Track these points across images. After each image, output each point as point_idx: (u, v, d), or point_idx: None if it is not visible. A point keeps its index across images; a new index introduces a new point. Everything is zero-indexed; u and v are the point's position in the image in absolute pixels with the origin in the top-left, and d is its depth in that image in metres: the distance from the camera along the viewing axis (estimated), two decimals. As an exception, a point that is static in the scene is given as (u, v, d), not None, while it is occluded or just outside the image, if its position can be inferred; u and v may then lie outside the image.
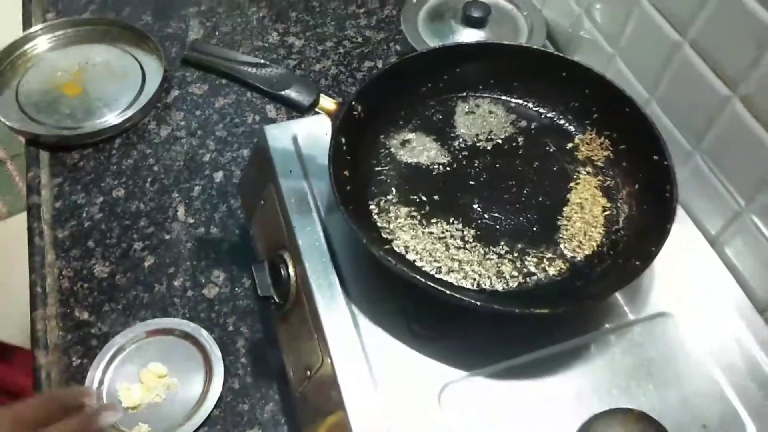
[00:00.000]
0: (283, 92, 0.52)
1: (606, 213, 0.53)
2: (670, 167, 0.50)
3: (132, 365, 0.62)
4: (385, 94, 0.57)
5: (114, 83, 0.84)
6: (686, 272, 0.53)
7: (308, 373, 0.51)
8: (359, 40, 0.92)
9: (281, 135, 0.60)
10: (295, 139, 0.60)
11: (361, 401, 0.46)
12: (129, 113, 0.80)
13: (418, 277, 0.45)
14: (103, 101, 0.82)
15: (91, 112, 0.81)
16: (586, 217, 0.53)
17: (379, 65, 0.89)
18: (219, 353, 0.62)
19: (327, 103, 0.53)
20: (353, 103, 0.54)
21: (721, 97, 0.52)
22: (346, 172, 0.52)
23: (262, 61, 0.53)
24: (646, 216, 0.51)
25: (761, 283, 0.53)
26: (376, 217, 0.52)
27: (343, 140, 0.52)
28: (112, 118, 0.80)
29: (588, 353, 0.49)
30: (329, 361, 0.47)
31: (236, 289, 0.68)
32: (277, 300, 0.54)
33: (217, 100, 0.84)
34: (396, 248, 0.51)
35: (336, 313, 0.49)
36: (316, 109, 0.53)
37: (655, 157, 0.51)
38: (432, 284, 0.45)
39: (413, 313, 0.50)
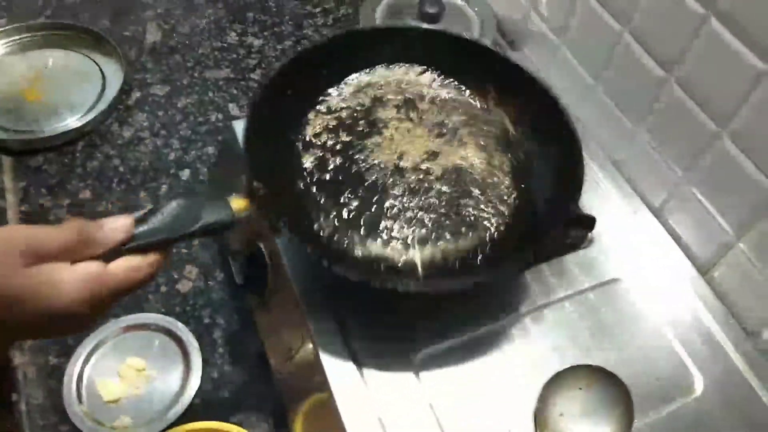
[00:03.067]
0: (197, 226, 0.43)
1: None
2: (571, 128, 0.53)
3: (110, 360, 0.63)
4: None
5: (74, 87, 0.84)
6: (634, 242, 0.58)
7: (291, 352, 0.54)
8: (316, 38, 0.94)
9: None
10: (263, 133, 0.62)
11: (342, 375, 0.48)
12: (91, 116, 0.80)
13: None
14: (65, 105, 0.82)
15: (53, 117, 0.80)
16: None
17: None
18: (196, 344, 0.64)
19: (240, 204, 0.46)
20: (254, 184, 0.47)
21: (659, 79, 0.57)
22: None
23: (149, 208, 0.43)
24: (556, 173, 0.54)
25: (701, 248, 0.58)
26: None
27: (282, 223, 0.48)
28: (73, 122, 0.80)
29: (546, 319, 0.53)
30: (310, 339, 0.50)
31: (209, 282, 0.69)
32: (255, 288, 0.56)
33: (179, 100, 0.85)
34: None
35: (313, 294, 0.52)
36: (241, 215, 0.46)
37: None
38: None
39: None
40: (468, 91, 0.60)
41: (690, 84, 0.55)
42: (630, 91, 0.62)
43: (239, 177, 0.60)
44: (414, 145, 0.57)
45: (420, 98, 0.60)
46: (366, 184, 0.54)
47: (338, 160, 0.56)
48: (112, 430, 0.59)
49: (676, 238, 0.59)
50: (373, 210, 0.53)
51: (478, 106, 0.60)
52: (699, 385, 0.50)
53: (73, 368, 0.62)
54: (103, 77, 0.85)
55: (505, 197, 0.54)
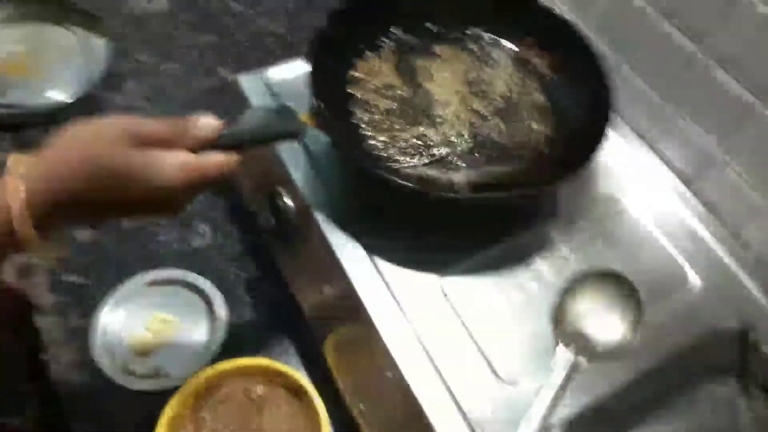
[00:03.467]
0: (272, 133, 0.51)
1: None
2: (591, 50, 0.60)
3: (136, 315, 0.65)
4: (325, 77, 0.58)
5: (60, 60, 0.84)
6: (625, 164, 0.63)
7: (321, 287, 0.57)
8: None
9: (256, 84, 0.64)
10: (269, 86, 0.64)
11: (375, 299, 0.52)
12: (81, 87, 0.80)
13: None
14: (52, 79, 0.82)
15: (42, 91, 0.80)
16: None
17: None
18: (219, 294, 0.66)
19: (306, 119, 0.53)
20: (318, 104, 0.55)
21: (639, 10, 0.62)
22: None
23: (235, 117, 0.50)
24: (584, 94, 0.60)
25: (684, 162, 0.63)
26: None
27: (339, 138, 0.55)
28: (63, 94, 0.80)
29: (558, 233, 0.57)
30: (340, 270, 0.53)
31: (223, 237, 0.72)
32: (279, 230, 0.59)
33: (167, 65, 0.86)
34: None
35: (337, 229, 0.55)
36: (306, 128, 0.52)
37: (576, 44, 0.61)
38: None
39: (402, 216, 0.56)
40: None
41: (671, 11, 0.60)
42: (613, 23, 0.67)
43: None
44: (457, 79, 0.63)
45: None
46: (412, 112, 0.60)
47: (386, 94, 0.61)
48: (147, 378, 0.61)
49: (661, 156, 0.64)
50: (416, 134, 0.59)
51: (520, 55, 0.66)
52: (694, 281, 0.56)
53: (98, 322, 0.64)
54: (89, 48, 0.85)
55: (543, 126, 0.61)
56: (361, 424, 0.55)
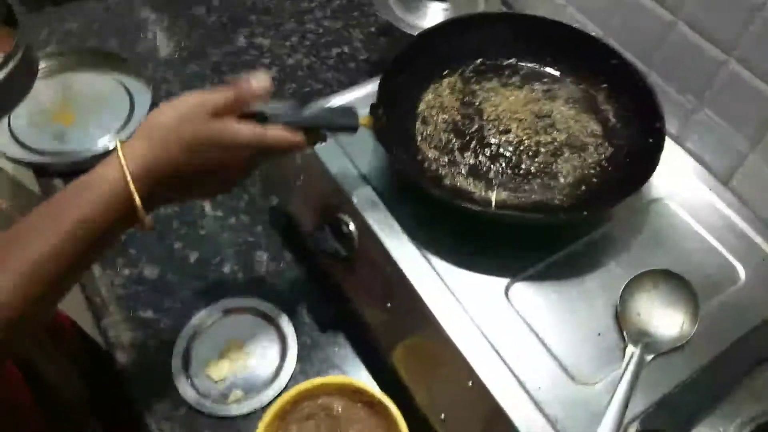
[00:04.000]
0: (333, 122, 0.58)
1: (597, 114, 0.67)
2: (629, 63, 0.64)
3: (211, 343, 0.68)
4: (394, 90, 0.64)
5: (103, 108, 0.87)
6: (666, 168, 0.66)
7: (387, 305, 0.60)
8: (320, 30, 1.00)
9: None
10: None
11: (445, 310, 0.55)
12: (125, 133, 0.84)
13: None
14: (98, 126, 0.85)
15: (88, 138, 0.84)
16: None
17: (346, 50, 0.98)
18: (288, 321, 0.69)
19: (366, 119, 0.59)
20: (379, 111, 0.60)
21: (668, 21, 0.66)
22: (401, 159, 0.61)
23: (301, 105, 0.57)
24: (630, 106, 0.64)
25: (720, 163, 0.67)
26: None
27: (392, 144, 0.60)
28: (109, 141, 0.84)
29: (612, 238, 0.61)
30: (408, 285, 0.57)
31: (281, 264, 0.75)
32: (344, 254, 0.62)
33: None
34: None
35: (401, 245, 0.59)
36: (363, 126, 0.59)
37: (613, 61, 0.65)
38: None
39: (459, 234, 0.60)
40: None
41: (696, 23, 0.64)
42: (639, 37, 0.70)
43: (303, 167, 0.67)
44: (514, 109, 0.67)
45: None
46: (466, 133, 0.65)
47: (446, 116, 0.67)
48: (227, 404, 0.64)
49: (697, 158, 0.68)
50: (468, 153, 0.64)
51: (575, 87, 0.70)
52: (742, 274, 0.59)
53: (180, 349, 0.67)
54: (130, 95, 0.89)
55: (591, 152, 0.65)
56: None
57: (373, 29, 1.01)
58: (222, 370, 0.66)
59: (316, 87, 0.93)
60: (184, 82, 0.93)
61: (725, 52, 0.61)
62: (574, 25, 0.68)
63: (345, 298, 0.68)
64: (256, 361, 0.67)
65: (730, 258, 0.60)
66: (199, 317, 0.70)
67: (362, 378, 0.67)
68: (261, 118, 0.54)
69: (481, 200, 0.60)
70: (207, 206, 0.80)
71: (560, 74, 0.70)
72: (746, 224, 0.62)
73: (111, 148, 0.82)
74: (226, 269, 0.74)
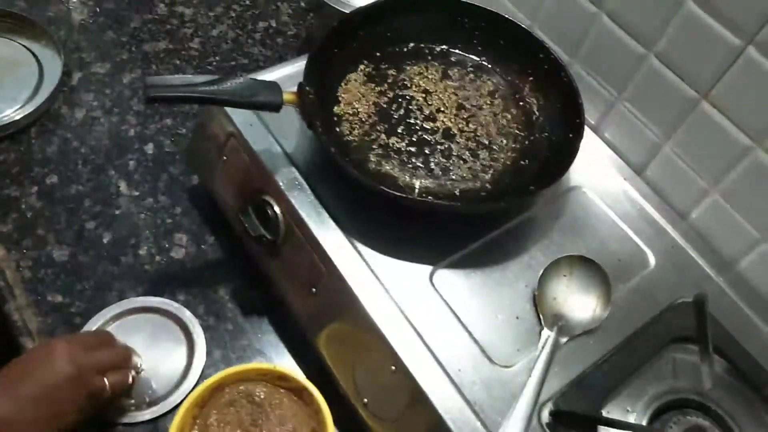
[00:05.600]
0: (253, 100, 0.55)
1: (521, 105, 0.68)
2: (555, 58, 0.65)
3: None
4: (320, 70, 0.62)
5: (10, 75, 0.81)
6: (585, 157, 0.68)
7: (313, 289, 0.60)
8: (247, 2, 0.96)
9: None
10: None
11: (369, 294, 0.55)
12: (36, 102, 0.79)
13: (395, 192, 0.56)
14: (5, 94, 0.79)
15: (-6, 105, 0.78)
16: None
17: (273, 24, 0.95)
18: (198, 324, 0.66)
19: (289, 96, 0.57)
20: (306, 88, 0.58)
21: (589, 14, 0.68)
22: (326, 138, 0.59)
23: (216, 77, 0.55)
24: (556, 100, 0.66)
25: (634, 153, 0.69)
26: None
27: (317, 121, 0.58)
28: (17, 111, 0.78)
29: (530, 226, 0.62)
30: (334, 270, 0.56)
31: (202, 246, 0.73)
32: (269, 237, 0.61)
33: (123, 75, 0.85)
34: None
35: (327, 230, 0.58)
36: (287, 104, 0.57)
37: (541, 55, 0.66)
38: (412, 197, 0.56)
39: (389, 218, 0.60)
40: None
41: (618, 16, 0.66)
42: (564, 28, 0.72)
43: (228, 140, 0.65)
44: (442, 97, 0.67)
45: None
46: (392, 118, 0.65)
47: (371, 98, 0.65)
48: (114, 408, 0.61)
49: (613, 147, 0.70)
50: (393, 138, 0.63)
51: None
52: (652, 260, 0.62)
53: None
54: (38, 62, 0.83)
55: (513, 143, 0.65)
56: (365, 415, 0.58)
57: (302, 4, 0.98)
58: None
59: (242, 62, 0.90)
60: (100, 49, 0.87)
61: (645, 46, 0.64)
62: (505, 15, 0.68)
63: (269, 283, 0.66)
64: (155, 371, 0.64)
65: (642, 245, 0.63)
66: (108, 311, 0.66)
67: (286, 364, 0.66)
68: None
69: (405, 186, 0.60)
70: (122, 185, 0.76)
71: (489, 64, 0.70)
72: (657, 213, 0.65)
73: (17, 118, 0.77)
74: (143, 251, 0.71)
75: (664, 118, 0.65)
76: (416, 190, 0.60)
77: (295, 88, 0.59)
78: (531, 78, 0.68)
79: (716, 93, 0.59)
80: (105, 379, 0.56)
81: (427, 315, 0.55)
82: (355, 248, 0.57)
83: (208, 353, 0.65)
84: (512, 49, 0.69)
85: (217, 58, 0.90)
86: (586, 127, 0.70)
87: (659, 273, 0.62)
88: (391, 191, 0.56)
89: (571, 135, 0.62)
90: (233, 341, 0.67)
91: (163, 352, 0.65)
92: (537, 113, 0.67)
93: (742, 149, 0.59)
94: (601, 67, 0.69)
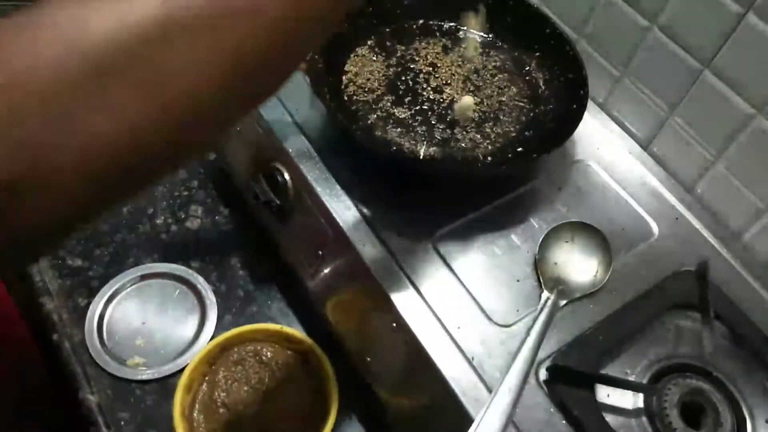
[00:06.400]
0: None
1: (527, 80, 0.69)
2: (561, 32, 0.66)
3: (130, 306, 0.68)
4: (329, 42, 0.64)
5: None
6: (590, 132, 0.69)
7: (319, 252, 0.61)
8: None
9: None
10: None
11: (372, 253, 0.56)
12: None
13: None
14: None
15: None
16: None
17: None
18: (212, 294, 0.69)
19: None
20: (316, 56, 0.61)
21: (594, -8, 0.69)
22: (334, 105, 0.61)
23: None
24: (561, 74, 0.67)
25: (640, 128, 0.70)
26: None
27: (325, 90, 0.61)
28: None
29: (533, 195, 0.63)
30: (340, 232, 0.58)
31: (216, 217, 0.75)
32: (278, 202, 0.63)
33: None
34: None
35: (334, 196, 0.60)
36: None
37: (547, 30, 0.67)
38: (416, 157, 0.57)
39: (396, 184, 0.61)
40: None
41: (619, -8, 0.67)
42: (571, 5, 0.73)
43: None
44: (449, 70, 0.69)
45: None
46: (399, 89, 0.66)
47: (379, 70, 0.67)
48: (126, 366, 0.64)
49: (619, 122, 0.71)
50: (399, 108, 0.64)
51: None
52: (655, 230, 0.62)
53: (95, 310, 0.66)
54: None
55: (519, 115, 0.66)
56: (368, 376, 0.59)
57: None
58: (136, 336, 0.66)
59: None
60: None
61: (649, 19, 0.64)
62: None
63: (279, 252, 0.68)
64: (168, 335, 0.66)
65: (645, 215, 0.64)
66: (125, 275, 0.69)
67: (296, 328, 0.67)
68: None
69: (409, 152, 0.61)
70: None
71: (497, 41, 0.72)
72: (663, 186, 0.66)
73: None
74: (159, 221, 0.74)
75: (667, 90, 0.66)
76: (420, 156, 0.61)
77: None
78: (538, 54, 0.69)
79: (718, 62, 0.60)
80: None
81: (429, 276, 0.56)
82: (361, 212, 0.59)
83: (219, 318, 0.67)
84: (520, 26, 0.70)
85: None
86: (593, 105, 0.72)
87: (663, 242, 0.62)
88: (397, 154, 0.58)
89: (575, 106, 0.63)
90: (243, 307, 0.69)
91: (176, 315, 0.67)
92: (543, 87, 0.68)
93: (744, 117, 0.60)
94: (606, 43, 0.70)
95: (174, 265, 0.70)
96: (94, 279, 0.69)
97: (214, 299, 0.68)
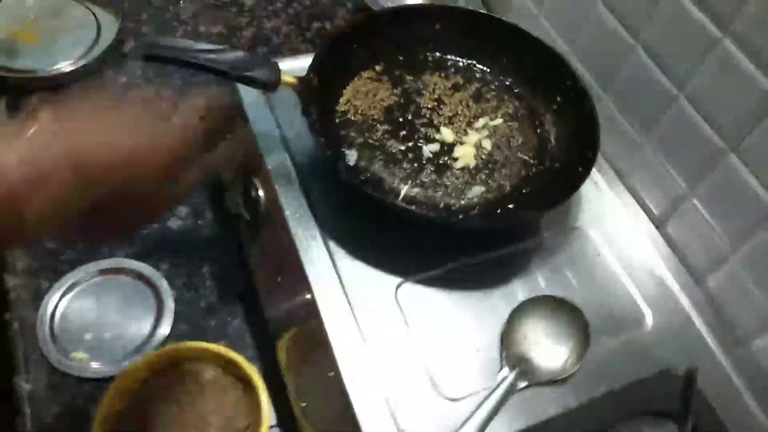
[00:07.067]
0: (247, 74, 0.54)
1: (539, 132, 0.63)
2: (582, 88, 0.61)
3: (88, 299, 0.65)
4: (333, 62, 0.61)
5: (69, 32, 0.86)
6: (598, 197, 0.63)
7: (278, 279, 0.58)
8: (308, 2, 0.98)
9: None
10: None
11: (326, 292, 0.52)
12: (85, 60, 0.83)
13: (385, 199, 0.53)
14: (59, 49, 0.84)
15: (47, 59, 0.82)
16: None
17: (327, 26, 0.95)
18: (171, 293, 0.66)
19: (288, 78, 0.56)
20: (311, 75, 0.58)
21: (626, 45, 0.63)
22: (320, 132, 0.57)
23: (220, 46, 0.55)
24: (574, 132, 0.61)
25: (656, 203, 0.63)
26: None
27: (313, 109, 0.57)
28: (68, 65, 0.82)
29: (517, 257, 0.58)
30: (299, 263, 0.54)
31: (199, 221, 0.73)
32: (248, 217, 0.60)
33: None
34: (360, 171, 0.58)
35: (303, 222, 0.56)
36: (282, 85, 0.56)
37: (568, 83, 0.62)
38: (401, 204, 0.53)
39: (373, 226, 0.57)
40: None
41: (653, 51, 0.60)
42: (600, 58, 0.67)
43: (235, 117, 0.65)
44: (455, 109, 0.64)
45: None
46: (396, 121, 0.62)
47: (380, 98, 0.64)
48: (69, 360, 0.61)
49: (633, 193, 0.64)
50: (392, 141, 0.61)
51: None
52: (649, 321, 0.56)
53: (49, 300, 0.64)
54: (98, 24, 0.87)
55: (520, 169, 0.61)
56: (301, 419, 0.55)
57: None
58: (86, 332, 0.63)
59: (287, 56, 0.90)
60: (157, 23, 0.91)
61: (677, 86, 0.58)
62: (539, 38, 0.65)
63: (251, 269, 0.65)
64: (122, 333, 0.64)
65: (641, 302, 0.57)
66: (85, 269, 0.67)
67: (248, 353, 0.64)
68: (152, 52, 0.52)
69: (390, 190, 0.57)
70: (142, 150, 0.77)
71: (513, 86, 0.66)
72: (668, 272, 0.59)
73: (66, 71, 0.80)
74: (142, 216, 0.72)
75: (689, 167, 0.59)
76: (400, 196, 0.57)
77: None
78: (554, 106, 0.64)
79: (746, 146, 0.53)
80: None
81: (382, 328, 0.52)
82: (326, 246, 0.55)
83: (175, 326, 0.65)
84: (541, 74, 0.65)
85: (264, 49, 0.91)
86: (609, 169, 0.66)
87: (654, 336, 0.55)
88: (370, 191, 0.53)
89: (580, 169, 0.57)
90: (202, 320, 0.66)
91: (132, 316, 0.65)
92: (553, 142, 0.62)
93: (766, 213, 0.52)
94: (632, 104, 0.64)
95: (142, 264, 0.68)
96: (63, 263, 0.68)
97: (173, 307, 0.65)
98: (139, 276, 0.67)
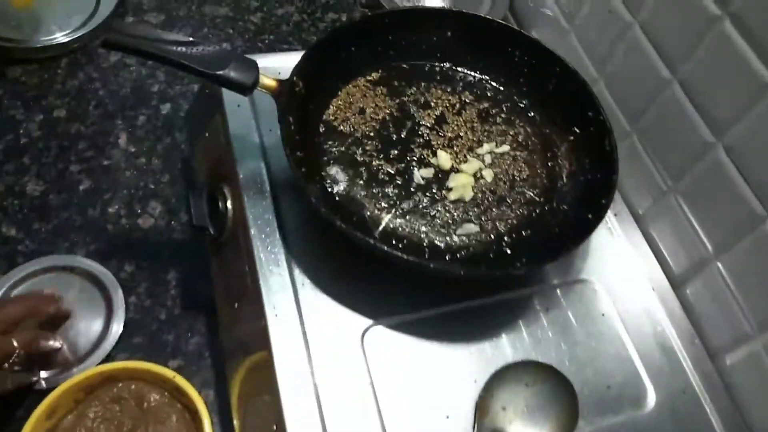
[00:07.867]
0: (220, 72, 0.48)
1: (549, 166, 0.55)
2: (605, 121, 0.53)
3: None
4: (324, 65, 0.55)
5: (66, 1, 0.81)
6: (612, 245, 0.55)
7: (235, 305, 0.52)
8: (321, -13, 0.91)
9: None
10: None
11: (281, 329, 0.46)
12: (79, 33, 0.77)
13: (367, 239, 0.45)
14: (54, 18, 0.78)
15: (40, 28, 0.77)
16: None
17: (343, 18, 0.88)
18: (121, 295, 0.60)
19: (267, 81, 0.50)
20: (294, 78, 0.51)
21: (664, 80, 0.55)
22: (297, 143, 0.51)
23: (191, 39, 0.48)
24: (589, 170, 0.53)
25: (678, 261, 0.55)
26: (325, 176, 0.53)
27: (291, 119, 0.50)
28: (61, 36, 0.77)
29: (505, 310, 0.51)
30: (258, 294, 0.48)
31: (173, 222, 0.67)
32: (212, 231, 0.54)
33: (173, 31, 0.82)
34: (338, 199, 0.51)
35: (269, 244, 0.50)
36: (258, 88, 0.49)
37: (590, 114, 0.54)
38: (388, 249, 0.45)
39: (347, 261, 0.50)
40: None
41: (692, 88, 0.52)
42: (631, 89, 0.59)
43: (214, 115, 0.58)
44: (457, 130, 0.57)
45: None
46: (388, 139, 0.55)
47: (373, 111, 0.57)
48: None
49: (654, 246, 0.56)
50: (380, 161, 0.53)
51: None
52: (651, 400, 0.48)
53: None
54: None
55: (521, 208, 0.53)
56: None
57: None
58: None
59: (295, 47, 0.84)
60: (161, 0, 0.85)
61: (715, 133, 0.50)
62: (564, 59, 0.57)
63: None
64: (67, 338, 0.58)
65: (645, 377, 0.49)
66: (20, 271, 0.60)
67: (204, 375, 0.58)
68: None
69: (370, 219, 0.50)
70: (123, 137, 0.72)
71: (529, 110, 0.58)
72: (681, 345, 0.51)
73: (61, 41, 0.75)
74: (112, 209, 0.67)
75: (718, 227, 0.51)
76: (380, 227, 0.50)
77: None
78: (571, 137, 0.56)
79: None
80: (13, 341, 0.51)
81: (340, 381, 0.45)
82: (291, 274, 0.49)
83: (126, 337, 0.59)
84: (561, 99, 0.57)
85: (271, 36, 0.84)
86: (628, 215, 0.58)
87: (655, 418, 0.48)
88: (339, 223, 0.46)
89: (590, 216, 0.49)
90: (159, 333, 0.60)
91: (79, 322, 0.59)
92: (564, 180, 0.55)
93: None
94: (661, 146, 0.56)
95: (100, 267, 0.62)
96: (20, 255, 0.62)
97: (123, 318, 0.59)
98: (93, 278, 0.61)
